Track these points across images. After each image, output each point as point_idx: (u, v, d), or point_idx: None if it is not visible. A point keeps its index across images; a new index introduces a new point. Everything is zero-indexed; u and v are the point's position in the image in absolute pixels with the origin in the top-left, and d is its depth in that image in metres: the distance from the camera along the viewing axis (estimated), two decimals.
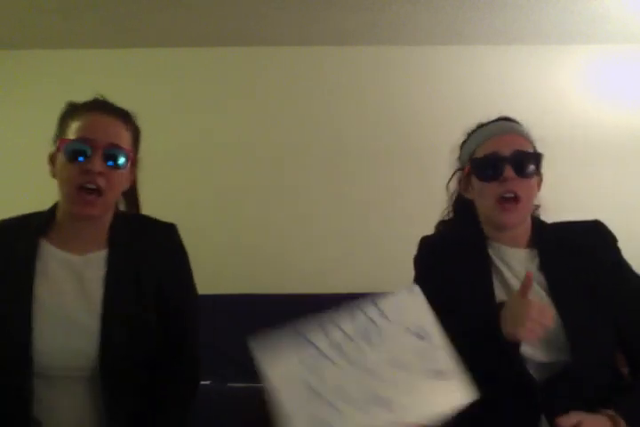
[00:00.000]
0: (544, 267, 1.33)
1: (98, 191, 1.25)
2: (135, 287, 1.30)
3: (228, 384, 2.16)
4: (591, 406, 1.24)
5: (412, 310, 1.10)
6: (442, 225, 1.52)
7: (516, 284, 1.32)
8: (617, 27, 3.08)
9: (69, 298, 1.26)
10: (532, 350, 1.26)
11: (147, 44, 3.23)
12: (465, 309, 1.32)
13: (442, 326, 1.33)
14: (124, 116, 1.33)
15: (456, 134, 3.57)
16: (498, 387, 1.27)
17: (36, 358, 1.20)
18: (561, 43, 3.25)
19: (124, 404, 1.27)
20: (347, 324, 1.08)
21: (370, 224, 3.14)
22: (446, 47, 3.29)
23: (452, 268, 1.39)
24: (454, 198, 1.50)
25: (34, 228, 1.31)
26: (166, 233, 1.41)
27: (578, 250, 1.35)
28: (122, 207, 1.45)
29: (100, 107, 1.32)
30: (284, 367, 1.04)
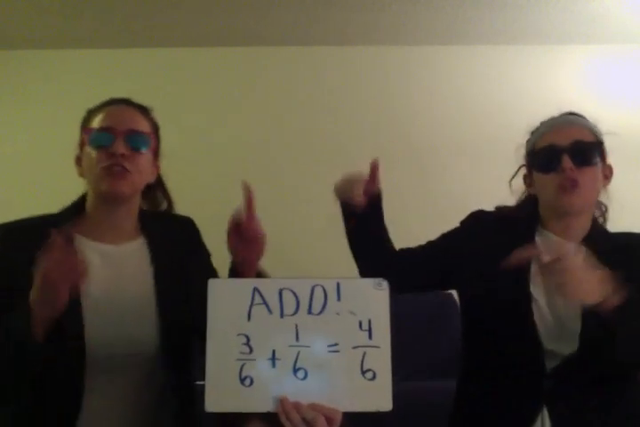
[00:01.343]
0: None
1: (124, 170, 1.29)
2: (179, 271, 1.35)
3: None
4: (596, 400, 1.26)
5: (368, 300, 1.09)
6: (500, 208, 1.50)
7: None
8: (617, 27, 3.08)
9: (115, 287, 1.29)
10: (547, 337, 1.27)
11: (147, 44, 3.23)
12: (495, 287, 1.32)
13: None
14: (142, 108, 1.40)
15: (456, 134, 3.57)
16: (506, 371, 1.30)
17: (90, 350, 1.22)
18: (561, 43, 3.26)
19: (179, 381, 1.32)
20: (302, 290, 1.09)
21: None
22: (446, 47, 3.29)
23: (494, 243, 1.38)
24: (524, 198, 1.48)
25: (66, 222, 1.32)
26: (187, 225, 1.50)
27: (622, 257, 1.31)
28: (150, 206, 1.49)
29: (117, 101, 1.39)
30: (229, 312, 1.08)
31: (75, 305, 1.22)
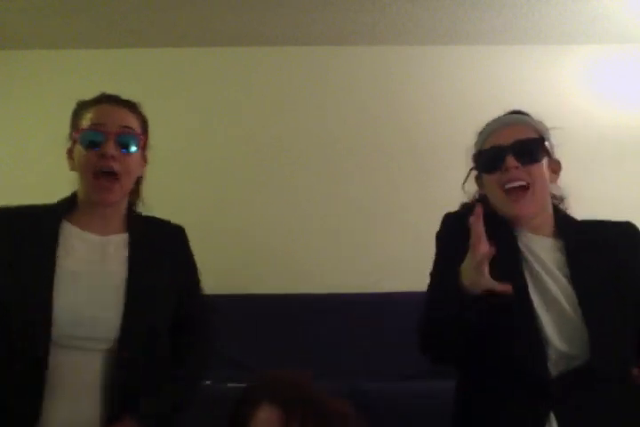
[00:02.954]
0: (570, 258, 1.32)
1: (114, 175, 1.33)
2: (155, 268, 1.39)
3: (229, 384, 2.16)
4: (605, 405, 1.24)
5: None
6: (467, 205, 1.48)
7: (540, 271, 1.32)
8: (617, 27, 3.08)
9: (92, 271, 1.33)
10: (556, 340, 1.25)
11: (147, 44, 3.23)
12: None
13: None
14: (131, 105, 1.42)
15: (456, 134, 3.57)
16: (511, 377, 1.27)
17: (56, 326, 1.25)
18: (561, 43, 3.26)
19: (137, 378, 1.32)
20: None
21: (370, 224, 3.14)
22: (446, 47, 3.29)
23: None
24: (477, 196, 1.48)
25: (57, 210, 1.39)
26: (178, 232, 1.52)
27: (604, 248, 1.33)
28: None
29: (107, 98, 1.42)
30: None
31: (46, 282, 1.27)
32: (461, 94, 3.25)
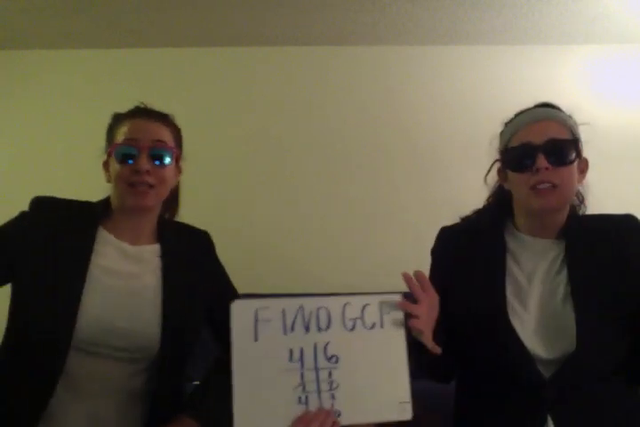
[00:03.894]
0: (569, 259, 1.30)
1: (149, 187, 1.35)
2: (188, 280, 1.41)
3: None
4: (602, 405, 1.24)
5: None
6: (474, 214, 1.47)
7: (521, 277, 1.31)
8: (617, 27, 3.08)
9: (123, 279, 1.34)
10: (539, 348, 1.25)
11: (147, 44, 3.22)
12: (474, 298, 1.31)
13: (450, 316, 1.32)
14: (164, 118, 1.44)
15: (456, 134, 3.57)
16: (506, 380, 1.27)
17: (77, 332, 1.25)
18: (561, 43, 3.26)
19: (167, 387, 1.35)
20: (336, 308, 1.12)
21: (370, 224, 3.14)
22: (446, 47, 3.29)
23: (467, 257, 1.36)
24: (495, 189, 1.46)
25: (96, 214, 1.40)
26: (204, 238, 1.54)
27: (605, 243, 1.31)
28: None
29: (140, 112, 1.43)
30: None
31: (76, 285, 1.27)
32: (461, 94, 3.25)
